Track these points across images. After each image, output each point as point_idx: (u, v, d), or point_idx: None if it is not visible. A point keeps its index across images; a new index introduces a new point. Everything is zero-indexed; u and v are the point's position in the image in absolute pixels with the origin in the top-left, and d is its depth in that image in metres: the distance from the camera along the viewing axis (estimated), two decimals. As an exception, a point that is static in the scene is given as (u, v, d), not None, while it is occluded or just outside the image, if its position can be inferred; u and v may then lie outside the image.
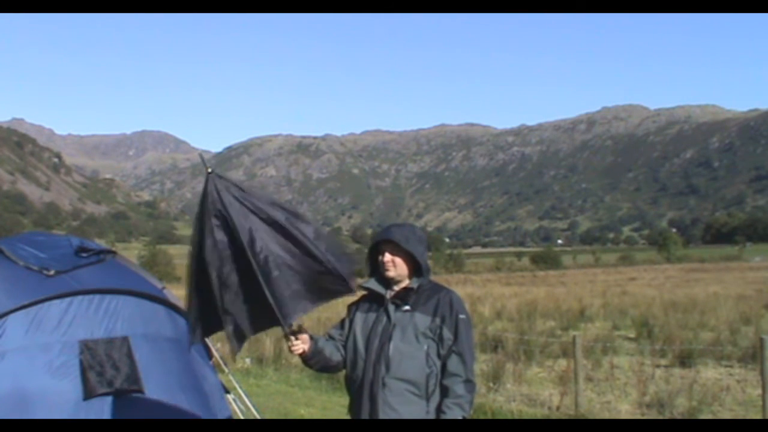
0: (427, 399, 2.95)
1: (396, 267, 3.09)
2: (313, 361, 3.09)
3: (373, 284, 3.15)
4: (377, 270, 3.17)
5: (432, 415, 2.95)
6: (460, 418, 2.91)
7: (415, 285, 3.08)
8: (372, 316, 3.10)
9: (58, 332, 3.91)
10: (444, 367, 2.98)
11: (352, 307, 3.23)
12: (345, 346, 3.16)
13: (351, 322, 3.17)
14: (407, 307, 3.04)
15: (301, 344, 3.02)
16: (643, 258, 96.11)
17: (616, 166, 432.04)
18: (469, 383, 2.97)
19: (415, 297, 3.06)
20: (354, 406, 3.06)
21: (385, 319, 3.05)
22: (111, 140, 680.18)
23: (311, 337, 3.08)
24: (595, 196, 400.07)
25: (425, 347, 2.97)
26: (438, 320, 3.00)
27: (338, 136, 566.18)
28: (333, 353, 3.14)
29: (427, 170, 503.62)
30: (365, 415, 2.96)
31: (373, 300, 3.15)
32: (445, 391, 2.95)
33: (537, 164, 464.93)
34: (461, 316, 3.03)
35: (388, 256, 3.09)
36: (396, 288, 3.11)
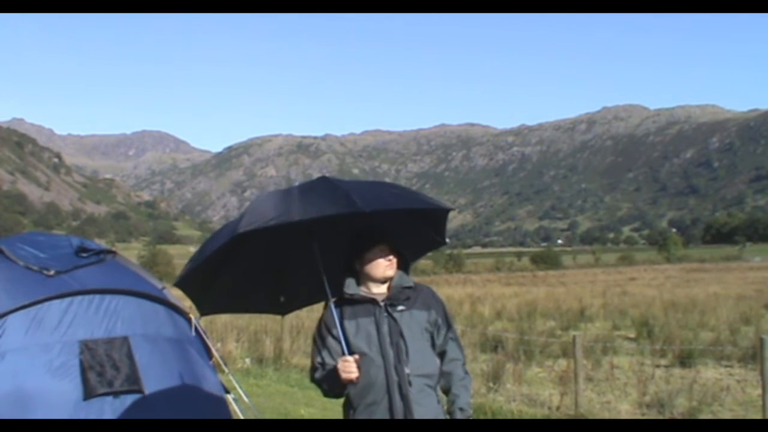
0: (435, 389, 3.07)
1: (394, 267, 3.08)
2: (348, 390, 3.02)
3: (357, 289, 3.08)
4: (354, 267, 3.10)
5: (441, 403, 3.08)
6: (470, 398, 3.09)
7: (411, 283, 3.10)
8: (366, 320, 3.02)
9: (58, 332, 3.90)
10: (443, 354, 3.11)
11: (330, 319, 3.07)
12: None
13: (339, 334, 3.03)
14: (402, 307, 3.04)
15: (357, 371, 2.91)
16: (643, 258, 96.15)
17: (616, 166, 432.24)
18: (465, 365, 3.15)
19: (404, 295, 3.07)
20: (379, 409, 2.95)
21: (388, 320, 3.02)
22: (111, 140, 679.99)
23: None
24: (595, 196, 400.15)
25: (429, 342, 3.07)
26: (433, 312, 3.10)
27: (338, 136, 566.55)
28: None
29: (427, 170, 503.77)
30: (399, 416, 2.94)
31: (356, 302, 3.07)
32: (449, 377, 3.09)
33: (537, 164, 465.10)
34: (445, 305, 3.20)
35: (392, 257, 3.07)
36: (377, 289, 3.08)
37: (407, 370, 2.96)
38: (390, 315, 3.02)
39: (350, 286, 3.09)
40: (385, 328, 3.00)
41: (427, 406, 2.99)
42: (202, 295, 3.47)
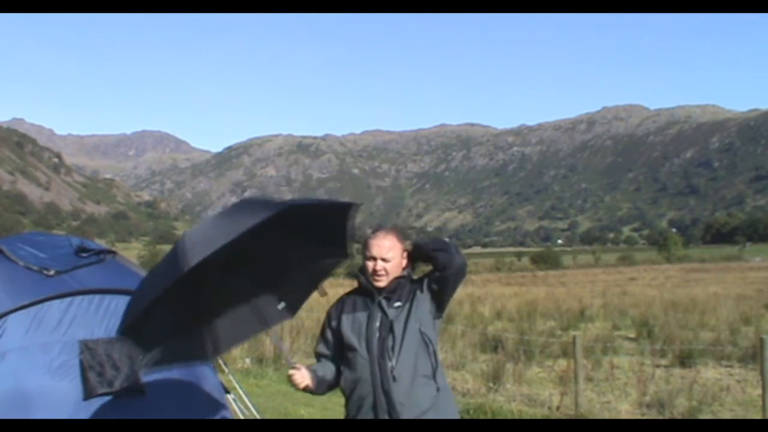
0: (434, 377, 3.05)
1: (388, 275, 3.10)
2: (319, 390, 3.15)
3: (365, 279, 3.14)
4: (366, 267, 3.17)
5: (442, 391, 3.05)
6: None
7: (404, 273, 3.13)
8: (361, 315, 3.10)
9: (58, 332, 3.90)
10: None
11: (333, 311, 3.21)
12: (335, 352, 3.17)
13: (336, 327, 3.16)
14: (399, 303, 3.07)
15: (305, 379, 3.07)
16: (643, 258, 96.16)
17: (616, 166, 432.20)
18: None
19: (403, 292, 3.10)
20: (365, 404, 3.03)
21: (380, 315, 3.06)
22: (111, 140, 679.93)
23: (309, 369, 3.15)
24: (595, 196, 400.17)
25: (425, 336, 3.05)
26: (424, 287, 3.11)
27: (338, 136, 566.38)
28: (330, 373, 3.19)
29: (427, 170, 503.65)
30: (383, 411, 2.97)
31: (358, 296, 3.16)
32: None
33: (537, 164, 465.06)
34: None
35: (381, 264, 3.08)
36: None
37: (390, 366, 2.97)
38: (383, 311, 3.05)
39: (361, 273, 3.16)
40: (375, 324, 3.05)
41: (418, 397, 2.97)
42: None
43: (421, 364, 3.01)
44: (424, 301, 3.09)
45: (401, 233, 3.20)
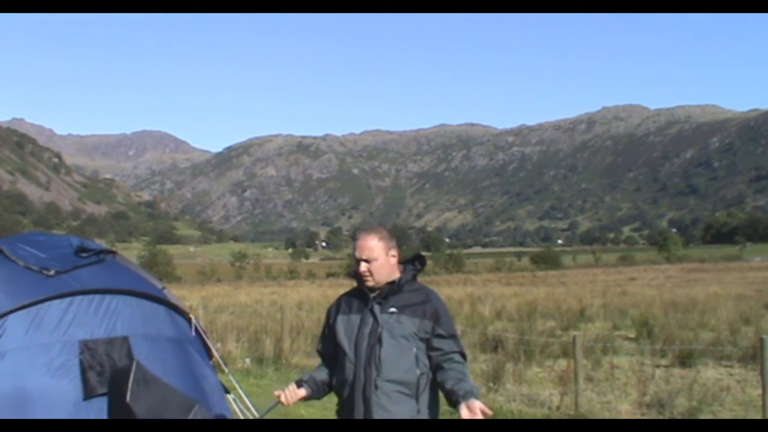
0: (417, 398, 3.00)
1: (374, 275, 3.08)
2: (320, 395, 3.22)
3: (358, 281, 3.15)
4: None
5: (423, 412, 3.00)
6: (471, 384, 2.93)
7: (399, 277, 3.11)
8: (355, 318, 3.08)
9: (58, 332, 3.90)
10: (437, 350, 3.02)
11: (332, 311, 3.22)
12: (333, 351, 3.18)
13: (332, 326, 3.18)
14: (393, 309, 3.03)
15: (290, 398, 3.15)
16: (643, 258, 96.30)
17: (616, 166, 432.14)
18: (462, 356, 3.08)
19: (399, 297, 3.06)
20: (346, 408, 3.06)
21: (371, 321, 3.03)
22: (111, 140, 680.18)
23: (307, 382, 3.20)
24: (595, 196, 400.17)
25: (414, 349, 3.00)
26: (427, 322, 3.02)
27: (338, 136, 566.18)
28: (329, 375, 3.23)
29: (427, 170, 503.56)
30: (359, 417, 2.98)
31: (355, 297, 3.15)
32: (443, 372, 2.99)
33: (537, 164, 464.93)
34: (441, 310, 3.08)
35: (364, 266, 3.07)
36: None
37: (374, 373, 2.96)
38: (375, 317, 3.03)
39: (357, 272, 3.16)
40: (366, 330, 3.03)
41: (396, 413, 2.94)
42: None
43: (405, 379, 2.97)
44: (420, 327, 3.02)
45: (385, 231, 3.17)
